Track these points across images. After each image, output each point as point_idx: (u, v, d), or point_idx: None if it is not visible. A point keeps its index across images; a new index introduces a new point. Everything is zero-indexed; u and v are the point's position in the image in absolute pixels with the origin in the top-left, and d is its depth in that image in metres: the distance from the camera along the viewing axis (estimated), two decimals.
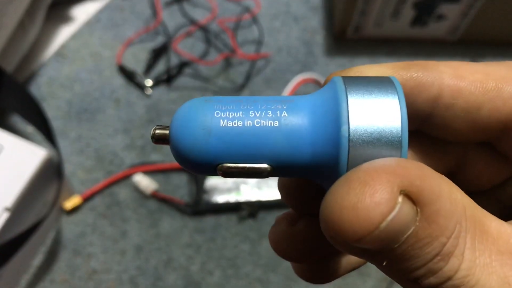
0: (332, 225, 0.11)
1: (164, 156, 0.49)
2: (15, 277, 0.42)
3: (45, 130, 0.43)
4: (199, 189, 0.46)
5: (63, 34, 0.57)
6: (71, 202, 0.46)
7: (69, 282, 0.44)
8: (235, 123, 0.14)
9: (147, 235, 0.46)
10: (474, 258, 0.11)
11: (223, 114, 0.14)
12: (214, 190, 0.46)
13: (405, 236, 0.11)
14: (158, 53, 0.56)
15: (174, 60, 0.55)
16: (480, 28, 0.55)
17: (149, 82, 0.53)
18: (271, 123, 0.13)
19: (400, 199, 0.11)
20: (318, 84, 0.54)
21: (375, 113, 0.13)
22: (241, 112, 0.14)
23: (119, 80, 0.54)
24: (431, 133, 0.16)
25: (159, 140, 0.15)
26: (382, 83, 0.13)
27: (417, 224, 0.11)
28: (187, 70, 0.55)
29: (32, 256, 0.44)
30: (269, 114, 0.14)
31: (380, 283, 0.44)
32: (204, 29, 0.58)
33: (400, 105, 0.13)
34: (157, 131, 0.15)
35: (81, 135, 0.50)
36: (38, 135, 0.49)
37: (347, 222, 0.11)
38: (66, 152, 0.49)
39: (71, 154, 0.49)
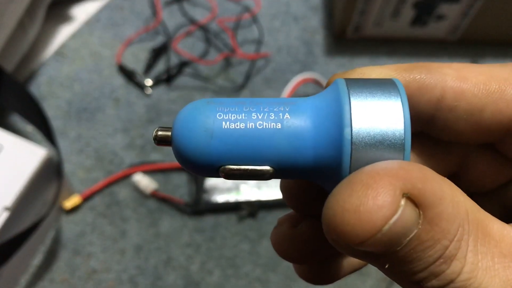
0: (334, 228, 0.11)
1: (164, 155, 0.49)
2: (14, 277, 0.42)
3: (45, 130, 0.43)
4: (199, 189, 0.46)
5: (63, 33, 0.57)
6: (70, 202, 0.46)
7: (69, 282, 0.44)
8: (237, 125, 0.13)
9: (146, 235, 0.46)
10: (477, 261, 0.11)
11: (226, 116, 0.14)
12: (214, 189, 0.46)
13: (408, 239, 0.11)
14: (158, 52, 0.56)
15: (174, 60, 0.55)
16: (480, 28, 0.55)
17: (149, 82, 0.53)
18: (273, 125, 0.13)
19: (402, 202, 0.11)
20: (318, 84, 0.54)
21: (378, 115, 0.13)
22: (243, 114, 0.14)
23: (119, 80, 0.54)
24: (434, 134, 0.16)
25: (161, 141, 0.15)
26: (385, 85, 0.13)
27: (420, 227, 0.11)
28: (187, 70, 0.55)
29: (32, 255, 0.44)
30: (272, 116, 0.14)
31: (380, 283, 0.45)
32: (204, 28, 0.58)
33: (403, 107, 0.13)
34: (160, 133, 0.14)
35: (80, 135, 0.50)
36: (38, 135, 0.49)
37: (349, 225, 0.11)
38: (66, 152, 0.49)
39: (71, 153, 0.49)
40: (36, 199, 0.40)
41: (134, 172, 0.48)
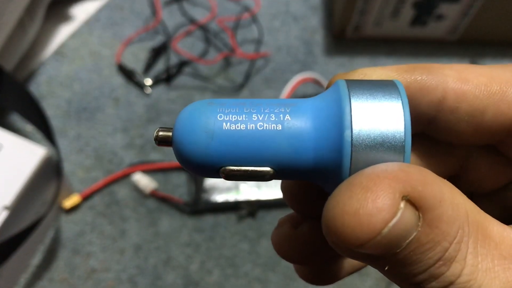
0: (334, 230, 0.11)
1: (163, 155, 0.50)
2: (14, 276, 0.42)
3: (44, 129, 0.43)
4: (198, 188, 0.46)
5: (63, 33, 0.57)
6: (70, 201, 0.46)
7: (68, 281, 0.44)
8: (238, 126, 0.14)
9: (146, 234, 0.46)
10: (477, 263, 0.11)
11: (226, 117, 0.14)
12: (213, 189, 0.46)
13: (407, 241, 0.11)
14: (158, 52, 0.56)
15: (174, 59, 0.55)
16: (479, 28, 0.55)
17: (148, 81, 0.53)
18: (274, 126, 0.13)
19: (402, 204, 0.11)
20: (317, 84, 0.54)
21: (379, 117, 0.13)
22: (244, 115, 0.14)
23: (118, 79, 0.54)
24: (435, 136, 0.16)
25: (162, 142, 0.15)
26: (385, 87, 0.13)
27: (419, 229, 0.11)
28: (187, 69, 0.55)
29: (31, 255, 0.44)
30: (272, 118, 0.14)
31: (379, 283, 0.45)
32: (203, 28, 0.58)
33: (403, 109, 0.13)
34: (161, 133, 0.15)
35: (80, 134, 0.50)
36: (38, 134, 0.49)
37: (349, 228, 0.11)
38: (66, 151, 0.49)
39: (70, 153, 0.49)
40: (36, 198, 0.40)
41: (134, 171, 0.48)
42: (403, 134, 0.13)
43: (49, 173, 0.41)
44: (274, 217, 0.47)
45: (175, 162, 0.48)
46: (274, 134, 0.13)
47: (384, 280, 0.45)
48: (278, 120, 0.14)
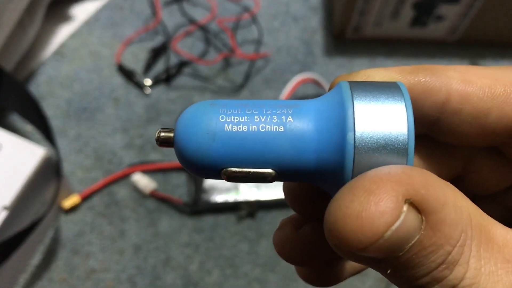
0: (336, 233, 0.11)
1: (163, 155, 0.49)
2: (13, 276, 0.42)
3: (44, 129, 0.43)
4: (198, 189, 0.46)
5: (63, 33, 0.57)
6: (69, 201, 0.46)
7: (68, 281, 0.44)
8: (240, 128, 0.13)
9: (145, 235, 0.46)
10: (479, 266, 0.11)
11: (228, 119, 0.14)
12: (213, 189, 0.46)
13: (410, 244, 0.11)
14: (158, 52, 0.56)
15: (174, 60, 0.55)
16: (479, 29, 0.55)
17: (148, 82, 0.53)
18: (276, 128, 0.13)
19: (405, 208, 0.11)
20: (317, 84, 0.54)
21: (382, 119, 0.13)
22: (246, 117, 0.14)
23: (118, 79, 0.54)
24: (438, 137, 0.16)
25: (163, 143, 0.15)
26: (389, 89, 0.13)
27: (422, 232, 0.11)
28: (186, 70, 0.55)
29: (31, 255, 0.44)
30: (274, 119, 0.13)
31: (379, 283, 0.45)
32: (203, 28, 0.58)
33: (406, 112, 0.13)
34: (162, 134, 0.14)
35: (80, 134, 0.50)
36: (37, 134, 0.48)
37: (351, 231, 0.11)
38: (65, 151, 0.49)
39: (70, 153, 0.49)
40: (35, 198, 0.40)
41: (133, 171, 0.48)
42: (406, 136, 0.12)
43: (49, 173, 0.41)
44: (274, 218, 0.47)
45: (174, 162, 0.48)
46: (276, 136, 0.13)
47: (383, 280, 0.45)
48: (280, 121, 0.13)
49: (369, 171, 0.12)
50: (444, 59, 0.58)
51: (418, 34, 0.57)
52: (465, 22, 0.54)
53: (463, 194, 0.12)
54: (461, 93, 0.14)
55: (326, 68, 0.56)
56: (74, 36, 0.57)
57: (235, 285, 0.45)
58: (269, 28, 0.59)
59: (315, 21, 0.60)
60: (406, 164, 0.13)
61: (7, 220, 0.36)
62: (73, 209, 0.47)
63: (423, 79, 0.14)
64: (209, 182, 0.47)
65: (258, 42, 0.57)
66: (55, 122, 0.50)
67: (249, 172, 0.14)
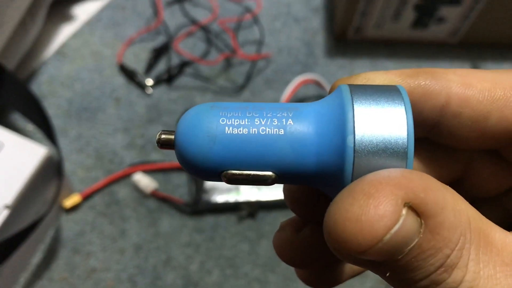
0: (335, 237, 0.11)
1: (164, 155, 0.50)
2: (14, 275, 0.42)
3: (45, 128, 0.43)
4: (199, 189, 0.46)
5: (64, 32, 0.57)
6: (70, 201, 0.46)
7: (68, 281, 0.44)
8: (240, 131, 0.14)
9: (146, 234, 0.46)
10: (478, 269, 0.11)
11: (229, 121, 0.14)
12: (214, 190, 0.46)
13: (409, 248, 0.11)
14: (159, 52, 0.56)
15: (175, 60, 0.55)
16: (480, 31, 0.55)
17: (149, 82, 0.53)
18: (276, 131, 0.13)
19: (404, 211, 0.11)
20: (318, 85, 0.54)
21: (381, 123, 0.13)
22: (246, 120, 0.14)
23: (119, 79, 0.54)
24: (438, 140, 0.16)
25: (164, 145, 0.15)
26: (389, 92, 0.13)
27: (421, 236, 0.11)
28: (188, 70, 0.55)
29: (31, 254, 0.44)
30: (275, 122, 0.14)
31: (378, 285, 0.45)
32: (205, 29, 0.58)
33: (406, 115, 0.13)
34: (163, 136, 0.15)
35: (81, 134, 0.51)
36: (39, 133, 0.49)
37: (351, 234, 0.11)
38: (66, 151, 0.49)
39: (71, 152, 0.49)
40: (36, 197, 0.40)
41: (134, 171, 0.48)
42: (405, 140, 0.13)
43: (50, 173, 0.41)
44: (274, 218, 0.47)
45: (175, 162, 0.48)
46: (276, 138, 0.13)
47: (383, 282, 0.45)
48: (280, 124, 0.14)
49: (369, 175, 0.12)
50: (445, 61, 0.58)
51: (419, 35, 0.57)
52: (466, 24, 0.54)
53: (462, 198, 0.12)
54: (461, 97, 0.14)
55: (327, 69, 0.56)
56: (75, 36, 0.57)
57: (235, 285, 0.45)
58: (271, 29, 0.59)
59: (316, 22, 0.60)
60: (406, 167, 0.13)
61: (8, 219, 0.36)
62: (74, 208, 0.47)
63: (423, 83, 0.14)
64: (210, 183, 0.47)
65: (260, 43, 0.57)
66: (56, 122, 0.50)
67: (250, 174, 0.14)
